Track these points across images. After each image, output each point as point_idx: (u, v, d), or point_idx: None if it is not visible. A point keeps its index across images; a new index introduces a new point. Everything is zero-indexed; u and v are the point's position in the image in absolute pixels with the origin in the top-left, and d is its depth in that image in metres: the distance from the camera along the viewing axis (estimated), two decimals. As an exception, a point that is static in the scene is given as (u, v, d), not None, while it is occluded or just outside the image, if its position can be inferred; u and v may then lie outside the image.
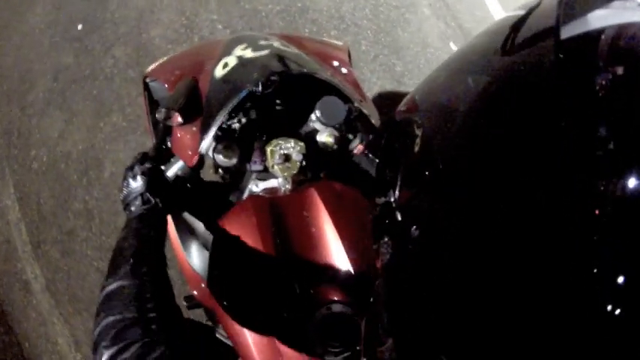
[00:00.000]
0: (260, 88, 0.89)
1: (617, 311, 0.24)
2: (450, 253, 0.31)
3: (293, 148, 0.85)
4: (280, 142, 0.86)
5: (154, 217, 0.77)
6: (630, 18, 0.34)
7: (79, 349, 1.81)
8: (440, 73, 0.49)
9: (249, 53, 0.96)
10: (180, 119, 0.88)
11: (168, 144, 0.95)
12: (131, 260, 0.67)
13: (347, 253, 0.70)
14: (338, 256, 0.71)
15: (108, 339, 0.56)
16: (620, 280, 0.23)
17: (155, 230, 0.76)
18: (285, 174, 0.84)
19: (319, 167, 0.91)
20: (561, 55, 0.31)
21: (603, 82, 0.29)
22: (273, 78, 0.90)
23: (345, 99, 0.90)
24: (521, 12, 0.46)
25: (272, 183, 0.87)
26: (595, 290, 0.25)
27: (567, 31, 0.33)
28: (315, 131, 0.91)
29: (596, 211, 0.25)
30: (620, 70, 0.30)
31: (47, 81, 2.28)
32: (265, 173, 0.88)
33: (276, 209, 0.77)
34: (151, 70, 1.07)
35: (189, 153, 0.89)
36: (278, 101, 0.95)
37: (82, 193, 1.96)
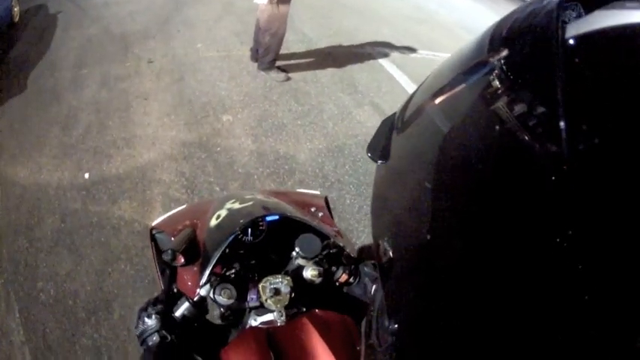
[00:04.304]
0: (251, 238, 1.08)
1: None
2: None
3: (281, 282, 0.99)
4: (270, 278, 0.99)
5: (169, 352, 0.88)
6: (630, 18, 0.35)
7: None
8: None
9: (237, 205, 1.16)
10: (182, 260, 1.07)
11: (174, 289, 1.10)
12: None
13: None
14: None
15: None
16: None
17: None
18: (278, 305, 0.97)
19: (311, 300, 1.03)
20: (562, 56, 0.31)
21: (604, 82, 0.30)
22: (261, 228, 1.09)
23: (322, 236, 1.06)
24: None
25: (268, 317, 0.99)
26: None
27: (567, 32, 0.33)
28: (301, 268, 1.03)
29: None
30: (620, 71, 0.31)
31: (55, 220, 2.66)
32: (262, 309, 1.00)
33: (274, 338, 0.87)
34: (157, 224, 1.28)
35: (192, 289, 1.04)
36: (267, 246, 1.12)
37: (90, 331, 2.19)
